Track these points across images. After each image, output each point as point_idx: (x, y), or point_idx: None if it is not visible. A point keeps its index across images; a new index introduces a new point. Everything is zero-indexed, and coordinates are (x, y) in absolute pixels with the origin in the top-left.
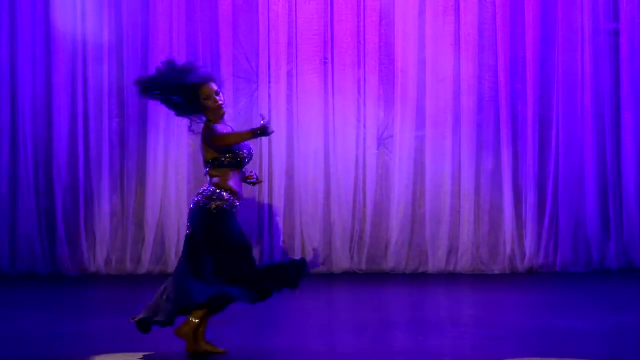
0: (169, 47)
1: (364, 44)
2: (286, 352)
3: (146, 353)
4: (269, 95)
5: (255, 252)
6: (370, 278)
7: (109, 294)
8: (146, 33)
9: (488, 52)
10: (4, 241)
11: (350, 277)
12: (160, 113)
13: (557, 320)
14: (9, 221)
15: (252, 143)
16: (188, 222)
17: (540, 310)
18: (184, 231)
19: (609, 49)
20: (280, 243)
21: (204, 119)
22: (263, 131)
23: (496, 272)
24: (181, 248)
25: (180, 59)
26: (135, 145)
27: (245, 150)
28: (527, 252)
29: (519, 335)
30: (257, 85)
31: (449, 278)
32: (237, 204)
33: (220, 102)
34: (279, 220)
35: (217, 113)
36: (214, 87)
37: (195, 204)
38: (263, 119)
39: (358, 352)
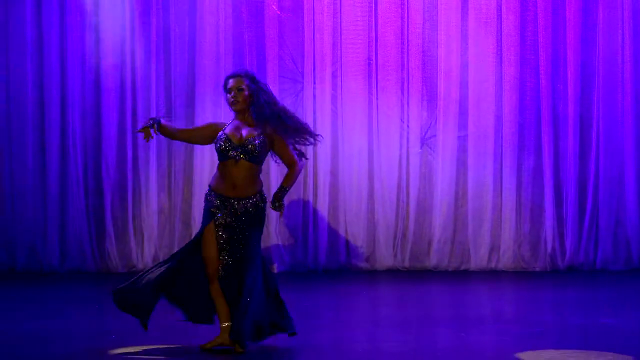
0: (215, 47)
1: (408, 45)
2: (330, 349)
3: (189, 347)
4: (314, 96)
5: (301, 250)
6: (414, 275)
7: None
8: (193, 34)
9: (530, 53)
10: (54, 239)
11: (394, 274)
12: (207, 112)
13: (597, 318)
14: (59, 220)
15: (233, 135)
16: (248, 223)
17: (580, 307)
18: None
19: None
20: (325, 240)
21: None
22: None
23: (537, 269)
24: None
25: (227, 59)
26: (182, 143)
27: (220, 142)
28: (568, 250)
29: (560, 332)
30: (303, 86)
31: (491, 275)
32: (217, 201)
33: (231, 99)
34: (324, 218)
35: (231, 108)
36: (228, 83)
37: None
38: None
39: (401, 348)
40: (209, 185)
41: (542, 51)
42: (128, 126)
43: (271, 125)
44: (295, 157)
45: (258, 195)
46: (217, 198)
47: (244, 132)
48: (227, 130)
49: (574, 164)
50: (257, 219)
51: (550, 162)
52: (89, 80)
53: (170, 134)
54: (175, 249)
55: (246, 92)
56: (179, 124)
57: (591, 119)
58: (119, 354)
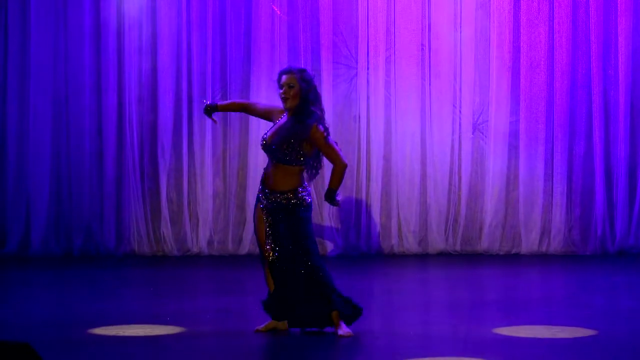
0: (270, 33)
1: (460, 31)
2: (382, 332)
3: (243, 330)
4: (368, 82)
5: (354, 233)
6: (465, 259)
7: (211, 274)
8: (249, 20)
9: (581, 39)
10: (110, 223)
11: (445, 258)
12: (262, 97)
13: None
14: (115, 203)
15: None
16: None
17: (631, 290)
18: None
19: None
20: (378, 224)
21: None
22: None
23: (588, 253)
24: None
25: (282, 46)
26: (237, 128)
27: (260, 142)
28: (618, 234)
29: (610, 315)
30: (357, 71)
31: (542, 259)
32: (260, 187)
33: (282, 95)
34: (377, 202)
35: (282, 104)
36: (281, 79)
37: None
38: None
39: (452, 331)
40: None
41: (593, 37)
42: (184, 111)
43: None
44: (339, 154)
45: (292, 192)
46: (261, 184)
47: (280, 135)
48: (269, 132)
49: (624, 149)
50: (292, 217)
51: (600, 147)
52: (146, 66)
53: (235, 109)
54: (230, 234)
55: (296, 89)
56: None
57: None
58: (173, 336)
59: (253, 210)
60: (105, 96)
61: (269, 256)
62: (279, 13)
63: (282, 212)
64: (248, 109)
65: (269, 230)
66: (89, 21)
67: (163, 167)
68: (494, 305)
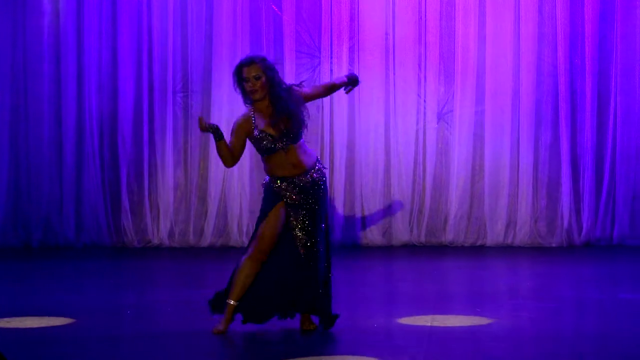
0: (232, 23)
1: (425, 20)
2: (345, 324)
3: (206, 328)
4: (331, 71)
5: None
6: (430, 251)
7: (172, 266)
8: (210, 9)
9: (548, 28)
10: (69, 213)
11: (410, 249)
12: (224, 86)
13: (614, 293)
14: (74, 194)
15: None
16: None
17: (597, 282)
18: (246, 205)
19: None
20: (342, 215)
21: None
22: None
23: (554, 245)
24: (245, 222)
25: (244, 34)
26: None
27: (263, 142)
28: (585, 225)
29: (576, 307)
30: (320, 61)
31: (507, 251)
32: (282, 184)
33: (250, 87)
34: (340, 192)
35: (248, 98)
36: (243, 72)
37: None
38: None
39: (417, 323)
40: (268, 176)
41: (560, 26)
42: (144, 100)
43: (290, 109)
44: (320, 84)
45: (318, 163)
46: (281, 181)
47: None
48: (262, 126)
49: (591, 138)
50: (324, 190)
51: (567, 137)
52: (106, 55)
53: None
54: (191, 226)
55: (263, 79)
56: (195, 100)
57: (609, 94)
58: (131, 329)
59: (261, 216)
60: (64, 86)
61: (300, 249)
62: (279, 13)
63: (315, 190)
64: (230, 152)
65: (295, 223)
66: (48, 7)
67: (123, 158)
68: (459, 297)
